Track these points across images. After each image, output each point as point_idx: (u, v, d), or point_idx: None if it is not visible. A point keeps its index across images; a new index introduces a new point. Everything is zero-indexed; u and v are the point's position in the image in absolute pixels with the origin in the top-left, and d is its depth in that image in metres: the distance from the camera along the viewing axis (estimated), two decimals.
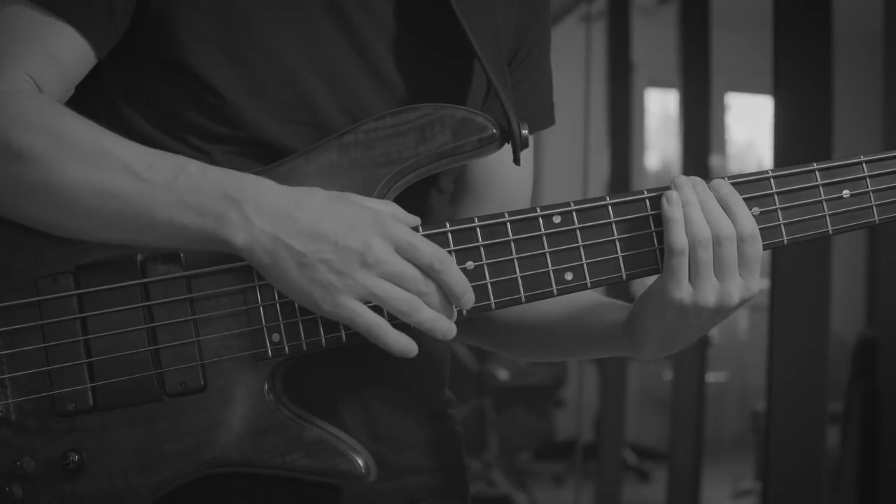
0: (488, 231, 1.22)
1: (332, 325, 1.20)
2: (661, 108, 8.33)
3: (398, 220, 1.18)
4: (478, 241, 1.22)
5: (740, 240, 1.21)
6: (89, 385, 1.20)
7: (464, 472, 1.44)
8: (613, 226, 1.24)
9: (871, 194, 1.26)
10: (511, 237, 1.23)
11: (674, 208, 1.21)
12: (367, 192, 1.22)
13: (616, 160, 5.50)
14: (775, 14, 3.00)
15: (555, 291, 1.23)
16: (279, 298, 1.20)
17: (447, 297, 1.18)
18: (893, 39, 3.27)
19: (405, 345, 1.18)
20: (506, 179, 1.44)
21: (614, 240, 1.24)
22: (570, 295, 1.25)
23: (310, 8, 1.27)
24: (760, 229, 1.22)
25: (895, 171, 1.26)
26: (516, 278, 1.22)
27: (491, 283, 1.22)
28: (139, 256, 1.21)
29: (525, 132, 1.25)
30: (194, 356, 1.20)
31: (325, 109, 1.27)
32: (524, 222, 1.23)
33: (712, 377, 6.69)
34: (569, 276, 1.23)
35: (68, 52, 1.22)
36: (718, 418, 7.44)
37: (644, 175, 8.01)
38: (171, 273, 1.20)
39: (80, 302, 1.20)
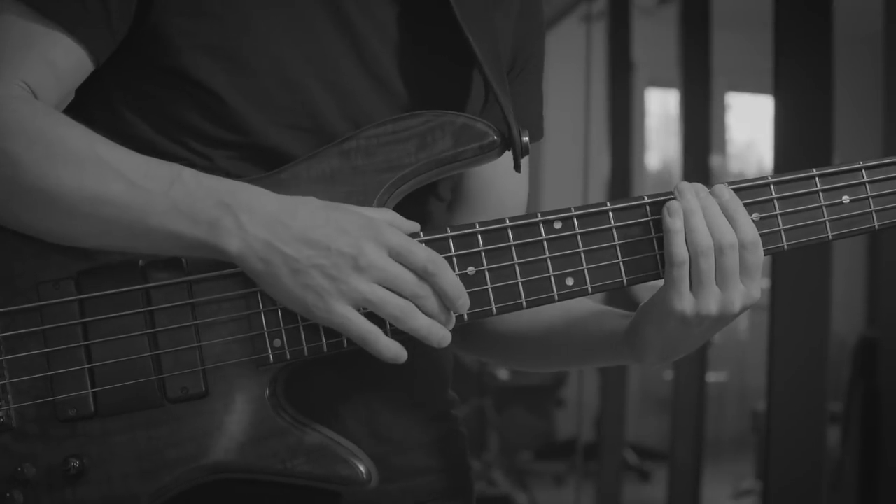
0: (489, 236, 1.23)
1: (334, 330, 1.20)
2: (661, 107, 8.33)
3: (392, 226, 1.18)
4: (479, 247, 1.22)
5: (742, 247, 1.21)
6: (90, 391, 1.19)
7: (468, 472, 1.44)
8: (614, 231, 1.24)
9: (871, 200, 1.26)
10: (512, 242, 1.23)
11: (675, 219, 1.21)
12: (368, 198, 1.22)
13: (616, 160, 5.51)
14: (775, 14, 3.00)
15: (556, 297, 1.23)
16: (281, 304, 1.20)
17: (443, 302, 1.18)
18: (893, 39, 3.27)
19: (396, 352, 1.18)
20: (499, 189, 1.44)
21: (615, 245, 1.24)
22: (567, 303, 1.25)
23: (312, 13, 1.27)
24: (761, 235, 1.23)
25: (895, 176, 1.26)
26: (517, 284, 1.23)
27: (492, 288, 1.22)
28: (141, 262, 1.21)
29: (526, 139, 1.26)
30: (196, 362, 1.20)
31: (327, 115, 1.27)
32: (525, 228, 1.23)
33: (712, 377, 6.69)
34: (570, 281, 1.23)
35: (65, 58, 1.21)
36: (719, 418, 7.44)
37: (644, 175, 8.01)
38: (172, 278, 1.20)
39: (82, 307, 1.20)
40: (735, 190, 1.24)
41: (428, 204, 1.35)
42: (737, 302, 1.22)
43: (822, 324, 2.98)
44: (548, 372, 2.63)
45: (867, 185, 1.26)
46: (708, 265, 1.21)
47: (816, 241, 1.26)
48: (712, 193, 1.23)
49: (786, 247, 1.25)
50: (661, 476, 6.10)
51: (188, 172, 1.17)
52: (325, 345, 1.20)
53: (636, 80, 6.32)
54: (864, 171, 1.26)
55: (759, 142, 8.57)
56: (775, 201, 1.25)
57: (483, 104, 1.38)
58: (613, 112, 5.51)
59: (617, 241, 1.24)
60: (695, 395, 4.86)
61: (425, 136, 1.23)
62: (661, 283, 1.24)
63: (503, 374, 6.94)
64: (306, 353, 1.20)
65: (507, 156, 1.27)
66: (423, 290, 1.17)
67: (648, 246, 1.24)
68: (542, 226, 1.23)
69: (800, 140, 3.00)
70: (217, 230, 1.16)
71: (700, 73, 4.81)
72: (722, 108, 8.16)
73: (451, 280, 1.18)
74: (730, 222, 1.21)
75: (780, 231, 1.25)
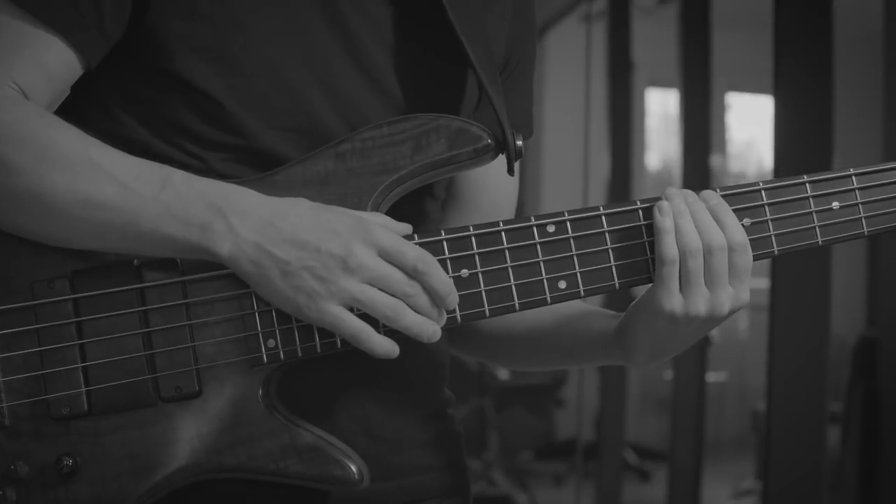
0: (483, 239, 1.23)
1: (327, 331, 1.20)
2: (661, 107, 8.33)
3: (382, 226, 1.18)
4: (473, 250, 1.23)
5: (730, 250, 1.22)
6: (84, 389, 1.20)
7: (465, 471, 1.44)
8: (607, 235, 1.24)
9: (861, 206, 1.26)
10: (506, 245, 1.23)
11: (665, 219, 1.22)
12: (362, 200, 1.22)
13: (616, 160, 5.51)
14: (775, 14, 3.00)
15: (548, 300, 1.24)
16: (272, 305, 1.20)
17: (433, 300, 1.19)
18: (893, 39, 3.27)
19: (388, 348, 1.19)
20: (492, 189, 1.45)
21: (607, 249, 1.24)
22: (558, 305, 1.25)
23: (307, 15, 1.27)
24: (751, 240, 1.24)
25: (884, 183, 1.27)
26: (510, 286, 1.23)
27: (485, 290, 1.23)
28: (135, 261, 1.21)
29: (519, 143, 1.26)
30: (189, 361, 1.20)
31: (322, 116, 1.27)
32: (519, 231, 1.24)
33: (712, 377, 6.69)
34: (562, 284, 1.24)
35: (57, 60, 1.21)
36: (718, 418, 7.44)
37: (644, 175, 8.01)
38: (167, 278, 1.21)
39: (76, 306, 1.20)
40: (726, 195, 1.25)
41: (423, 203, 1.36)
42: (725, 304, 1.22)
43: (821, 324, 2.98)
44: (542, 370, 2.63)
45: (857, 191, 1.27)
46: (696, 265, 1.21)
47: (806, 246, 1.26)
48: (701, 198, 1.24)
49: (776, 252, 1.26)
50: (661, 476, 6.11)
51: (179, 175, 1.18)
52: (318, 345, 1.21)
53: (636, 80, 6.32)
54: (854, 177, 1.27)
55: (759, 142, 8.57)
56: (766, 207, 1.26)
57: (476, 105, 1.39)
58: (613, 112, 5.52)
59: (609, 245, 1.24)
60: (695, 395, 4.86)
61: (420, 139, 1.23)
62: None
63: (503, 374, 6.94)
64: (300, 354, 1.21)
65: (500, 156, 1.28)
66: (413, 289, 1.18)
67: (641, 250, 1.24)
68: (535, 229, 1.24)
69: (800, 140, 3.00)
70: (208, 233, 1.16)
71: (700, 73, 4.81)
72: (722, 108, 8.16)
73: (440, 278, 1.19)
74: (718, 225, 1.22)
75: (770, 236, 1.26)
